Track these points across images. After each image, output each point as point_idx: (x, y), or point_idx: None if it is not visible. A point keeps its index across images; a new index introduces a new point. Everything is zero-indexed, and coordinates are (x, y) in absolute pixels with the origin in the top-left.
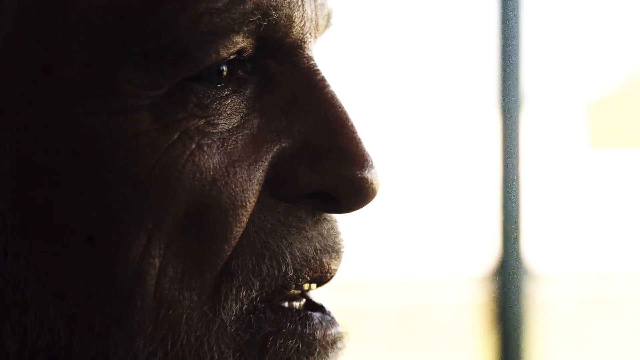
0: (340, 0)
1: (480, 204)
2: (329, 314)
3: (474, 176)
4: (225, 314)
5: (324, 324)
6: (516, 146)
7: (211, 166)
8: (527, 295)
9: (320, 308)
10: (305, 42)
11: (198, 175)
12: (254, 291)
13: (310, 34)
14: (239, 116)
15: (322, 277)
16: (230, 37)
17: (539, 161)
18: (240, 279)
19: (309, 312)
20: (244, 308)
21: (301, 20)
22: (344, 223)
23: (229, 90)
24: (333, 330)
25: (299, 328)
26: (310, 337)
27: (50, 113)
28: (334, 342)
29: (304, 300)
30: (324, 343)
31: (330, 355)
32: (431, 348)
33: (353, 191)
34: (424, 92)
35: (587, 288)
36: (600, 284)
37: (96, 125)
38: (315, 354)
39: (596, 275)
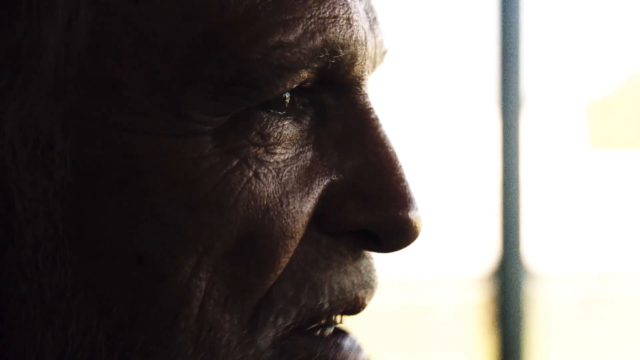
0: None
1: (480, 204)
2: (355, 340)
3: (474, 176)
4: (261, 340)
5: (353, 350)
6: (516, 146)
7: (266, 195)
8: (527, 296)
9: (346, 334)
10: (363, 80)
11: (253, 203)
12: (290, 319)
13: (368, 71)
14: (295, 147)
15: (354, 310)
16: (299, 72)
17: (539, 161)
18: (280, 306)
19: (339, 339)
20: (278, 335)
21: (363, 59)
22: None
23: (289, 120)
24: (361, 357)
25: (331, 354)
26: None
27: (110, 129)
28: None
29: (334, 327)
30: None
31: None
32: (431, 348)
33: (396, 232)
34: (424, 92)
35: (587, 288)
36: (600, 284)
37: (157, 146)
38: None
39: (596, 276)
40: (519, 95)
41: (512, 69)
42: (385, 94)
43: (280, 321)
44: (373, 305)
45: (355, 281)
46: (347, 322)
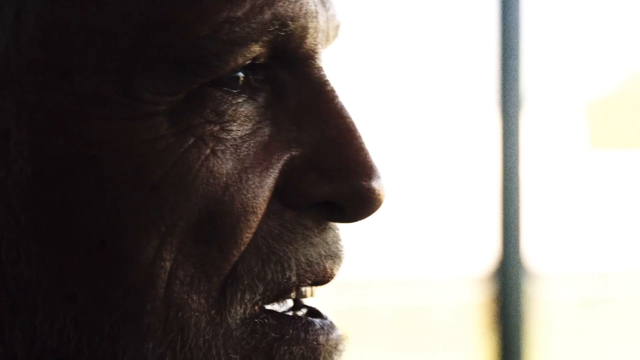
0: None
1: (480, 204)
2: (327, 318)
3: (474, 176)
4: (230, 318)
5: (325, 328)
6: (516, 146)
7: (224, 172)
8: (527, 296)
9: (318, 314)
10: (316, 53)
11: (212, 180)
12: (257, 295)
13: (321, 44)
14: (251, 123)
15: (322, 281)
16: (249, 46)
17: (539, 161)
18: (246, 282)
19: (310, 318)
20: (247, 312)
21: (314, 32)
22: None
23: (244, 97)
24: (334, 334)
25: (302, 334)
26: (315, 343)
27: (66, 117)
28: (336, 346)
29: (305, 309)
30: (327, 347)
31: (334, 359)
32: (431, 348)
33: (359, 201)
34: (424, 93)
35: (587, 288)
36: (600, 284)
37: (112, 130)
38: (321, 359)
39: (596, 276)
40: (519, 95)
41: (512, 69)
42: (385, 94)
43: (247, 297)
44: (373, 305)
45: (322, 252)
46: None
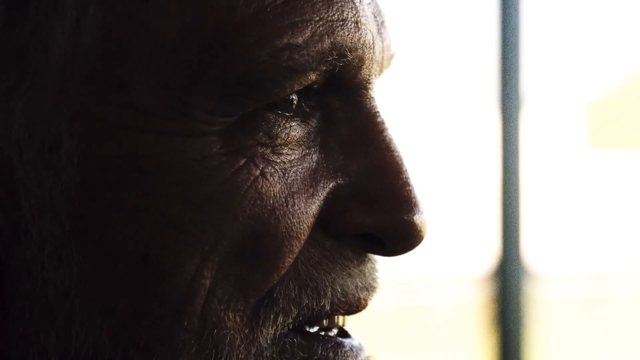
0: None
1: (480, 204)
2: (355, 340)
3: (474, 176)
4: (262, 338)
5: (354, 350)
6: (516, 146)
7: (272, 195)
8: (527, 296)
9: (347, 334)
10: (370, 83)
11: (259, 202)
12: (290, 318)
13: (375, 75)
14: (301, 149)
15: (355, 311)
16: (307, 74)
17: (539, 161)
18: (281, 306)
19: (339, 339)
20: (277, 333)
21: (370, 63)
22: None
23: (296, 121)
24: (362, 356)
25: (331, 355)
26: None
27: (117, 129)
28: None
29: (336, 329)
30: None
31: None
32: (431, 348)
33: (401, 235)
34: (424, 92)
35: (587, 288)
36: (600, 285)
37: (164, 146)
38: None
39: (596, 276)
40: (519, 95)
41: (512, 69)
42: (386, 94)
43: (280, 319)
44: (373, 305)
45: (359, 284)
46: (345, 320)
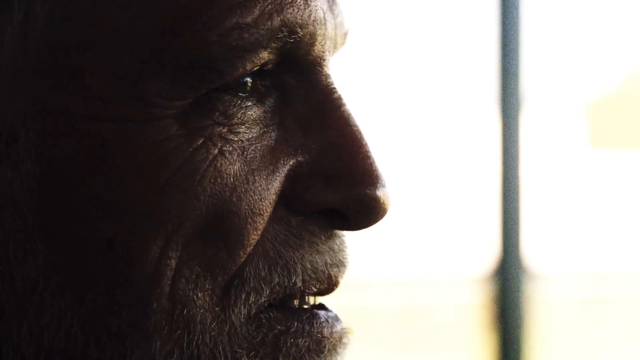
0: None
1: (480, 204)
2: (331, 311)
3: (474, 176)
4: (234, 316)
5: (329, 321)
6: (516, 146)
7: (232, 172)
8: (527, 296)
9: (323, 307)
10: (324, 60)
11: (219, 180)
12: (262, 297)
13: (329, 51)
14: (259, 127)
15: (327, 289)
16: (258, 52)
17: (539, 161)
18: (252, 285)
19: (314, 310)
20: (252, 312)
21: (323, 39)
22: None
23: (252, 101)
24: (339, 327)
25: (307, 327)
26: (319, 335)
27: (74, 119)
28: (340, 338)
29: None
30: (332, 340)
31: (338, 351)
32: (431, 348)
33: (364, 210)
34: (424, 93)
35: (587, 288)
36: (600, 285)
37: (121, 132)
38: (325, 351)
39: (596, 276)
40: (519, 95)
41: (512, 69)
42: (385, 94)
43: (252, 299)
44: (373, 305)
45: (328, 260)
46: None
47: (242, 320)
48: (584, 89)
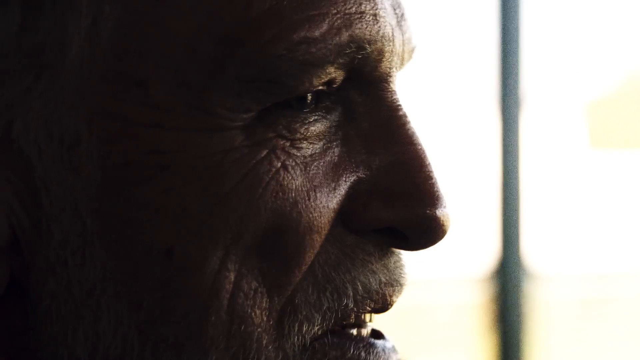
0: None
1: (480, 204)
2: (389, 341)
3: (473, 176)
4: (289, 348)
5: (386, 352)
6: (516, 146)
7: (294, 187)
8: (527, 296)
9: (380, 336)
10: (390, 77)
11: (281, 194)
12: (315, 326)
13: (395, 68)
14: (322, 143)
15: (382, 308)
16: (325, 67)
17: (539, 161)
18: (304, 313)
19: (372, 339)
20: (306, 342)
21: (390, 55)
22: None
23: (316, 116)
24: (394, 358)
25: (363, 354)
26: None
27: (136, 127)
28: None
29: (369, 328)
30: None
31: None
32: (431, 348)
33: (424, 230)
34: (424, 92)
35: (587, 288)
36: (600, 285)
37: (185, 141)
38: None
39: (596, 276)
40: (519, 95)
41: (512, 69)
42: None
43: (305, 328)
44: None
45: (383, 279)
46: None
47: (296, 350)
48: (584, 89)
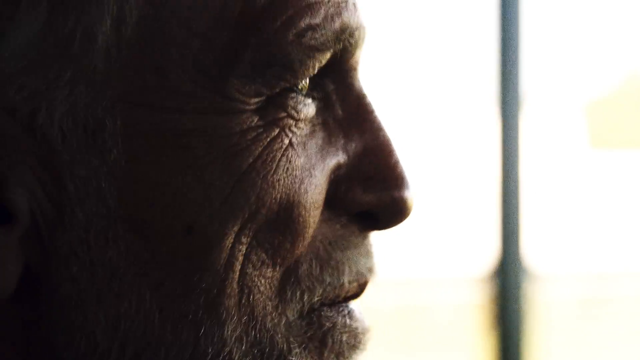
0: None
1: (480, 204)
2: (358, 308)
3: (473, 176)
4: (289, 312)
5: (361, 317)
6: (516, 146)
7: (299, 165)
8: (527, 296)
9: (351, 303)
10: (359, 65)
11: (289, 170)
12: (315, 296)
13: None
14: (311, 124)
15: (359, 293)
16: (325, 53)
17: (538, 161)
18: (307, 284)
19: (349, 307)
20: (304, 310)
21: (362, 43)
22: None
23: (309, 99)
24: (367, 323)
25: (348, 321)
26: (357, 330)
27: (160, 111)
28: (367, 333)
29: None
30: (364, 334)
31: (365, 346)
32: (431, 348)
33: (397, 211)
34: (424, 92)
35: (587, 288)
36: (600, 285)
37: (205, 123)
38: (360, 346)
39: (596, 276)
40: (519, 95)
41: (512, 69)
42: (385, 94)
43: (306, 297)
44: (373, 305)
45: (367, 263)
46: None
47: (295, 315)
48: (584, 89)
